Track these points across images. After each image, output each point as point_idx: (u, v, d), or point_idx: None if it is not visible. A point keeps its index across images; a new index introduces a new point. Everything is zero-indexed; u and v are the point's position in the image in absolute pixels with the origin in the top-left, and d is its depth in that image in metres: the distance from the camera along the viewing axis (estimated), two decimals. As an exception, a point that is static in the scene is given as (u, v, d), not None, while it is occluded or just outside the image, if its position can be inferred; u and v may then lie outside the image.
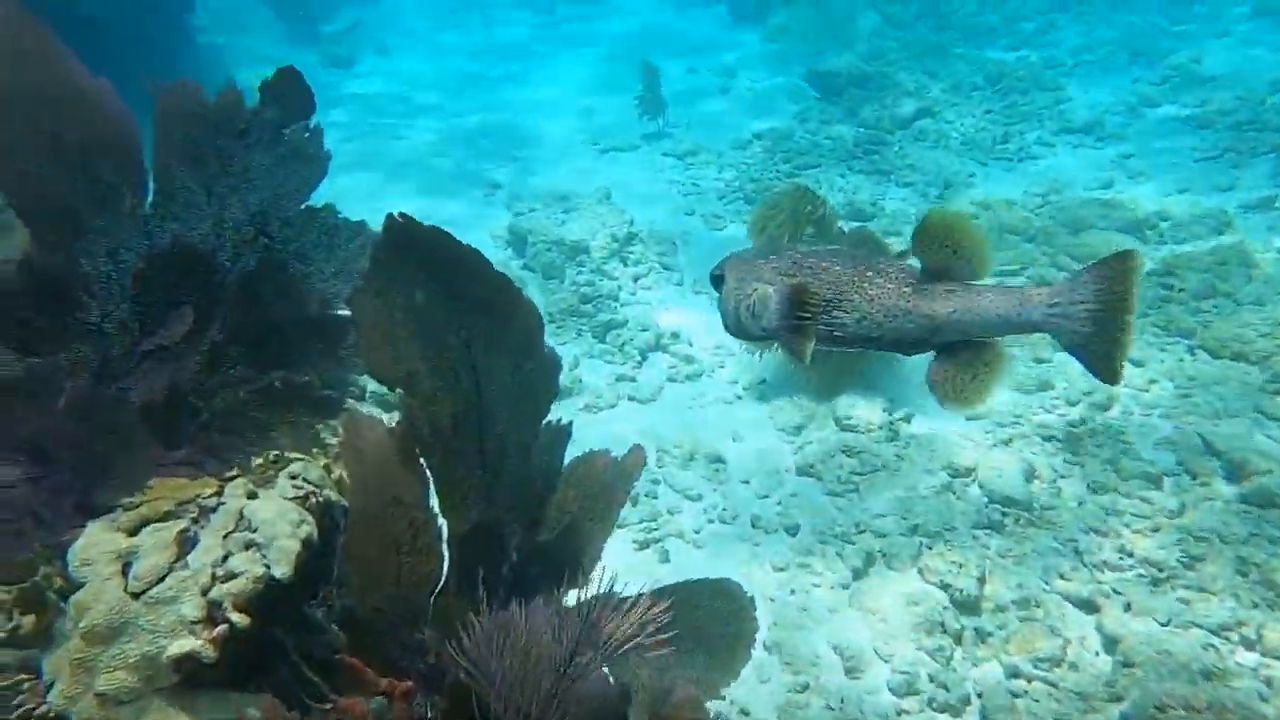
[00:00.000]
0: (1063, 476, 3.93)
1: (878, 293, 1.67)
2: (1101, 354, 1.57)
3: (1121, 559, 3.47)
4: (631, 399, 4.98)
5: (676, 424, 4.73)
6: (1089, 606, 3.34)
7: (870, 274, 1.68)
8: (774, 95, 9.63)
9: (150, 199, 2.25)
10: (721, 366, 5.25)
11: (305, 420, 2.57)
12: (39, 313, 2.12)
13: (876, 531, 3.80)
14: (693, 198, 7.62)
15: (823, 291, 1.68)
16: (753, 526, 4.00)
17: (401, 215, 2.05)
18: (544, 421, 2.25)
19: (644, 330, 5.58)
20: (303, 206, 2.45)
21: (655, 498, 4.19)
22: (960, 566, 3.41)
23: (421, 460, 2.13)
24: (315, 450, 2.83)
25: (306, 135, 2.39)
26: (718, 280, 1.90)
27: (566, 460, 2.36)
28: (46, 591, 1.94)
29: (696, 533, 4.00)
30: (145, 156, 2.23)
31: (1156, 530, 3.59)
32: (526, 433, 2.26)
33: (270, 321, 2.40)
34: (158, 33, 7.60)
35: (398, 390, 2.14)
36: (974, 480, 3.99)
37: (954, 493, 3.94)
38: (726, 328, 1.89)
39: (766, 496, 4.19)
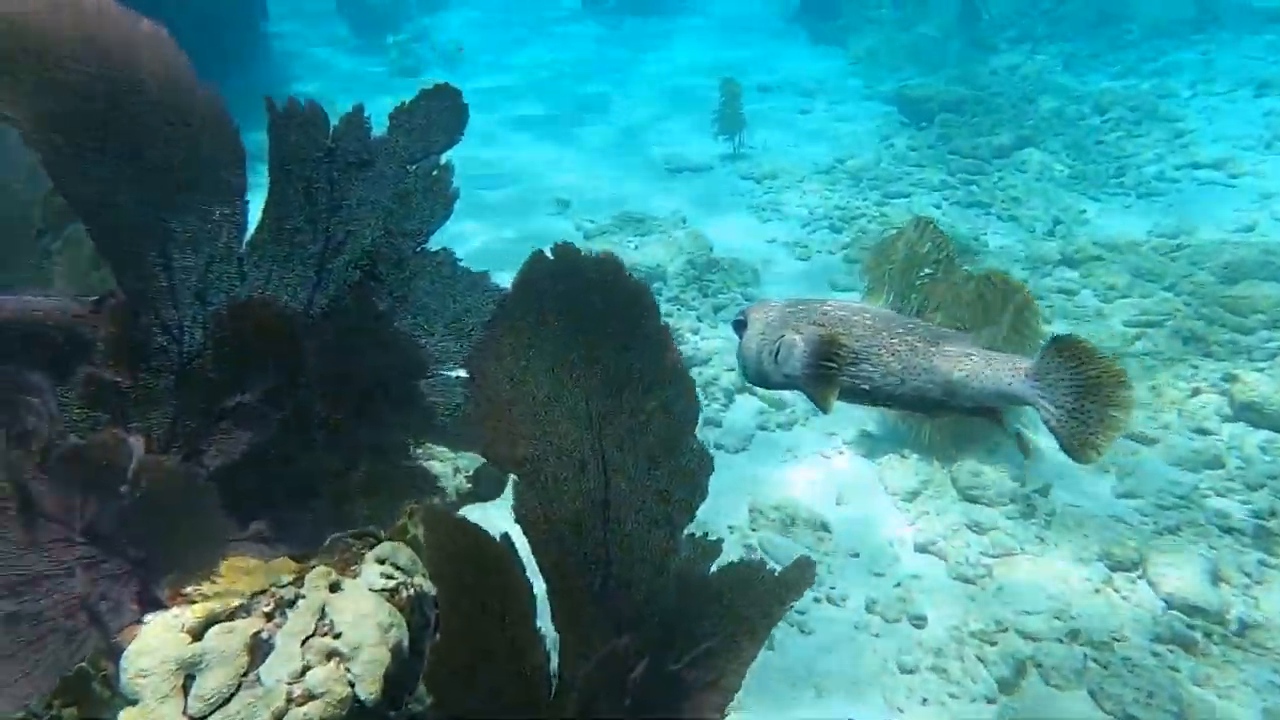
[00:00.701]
0: (1258, 582, 3.29)
1: (906, 350, 1.68)
2: (1077, 432, 1.52)
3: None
4: (718, 447, 4.48)
5: (771, 480, 4.21)
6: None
7: (900, 332, 1.70)
8: (857, 119, 9.12)
9: (250, 234, 1.88)
10: (816, 414, 4.72)
11: (392, 493, 2.16)
12: (113, 362, 1.73)
13: (1023, 632, 3.21)
14: (773, 224, 7.13)
15: (850, 344, 1.71)
16: (868, 611, 3.45)
17: (563, 246, 1.62)
18: (685, 530, 1.81)
19: (730, 369, 5.09)
20: (419, 249, 2.05)
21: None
22: (1147, 696, 2.80)
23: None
24: (403, 523, 2.42)
25: (435, 172, 2.00)
26: (739, 326, 1.89)
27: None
28: (92, 681, 1.56)
29: (801, 614, 3.47)
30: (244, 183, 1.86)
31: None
32: (662, 540, 1.81)
33: (366, 378, 1.99)
34: (234, 40, 7.46)
35: (511, 476, 1.71)
36: (1140, 576, 3.38)
37: (1117, 590, 3.33)
38: (744, 372, 1.89)
39: (881, 575, 3.63)
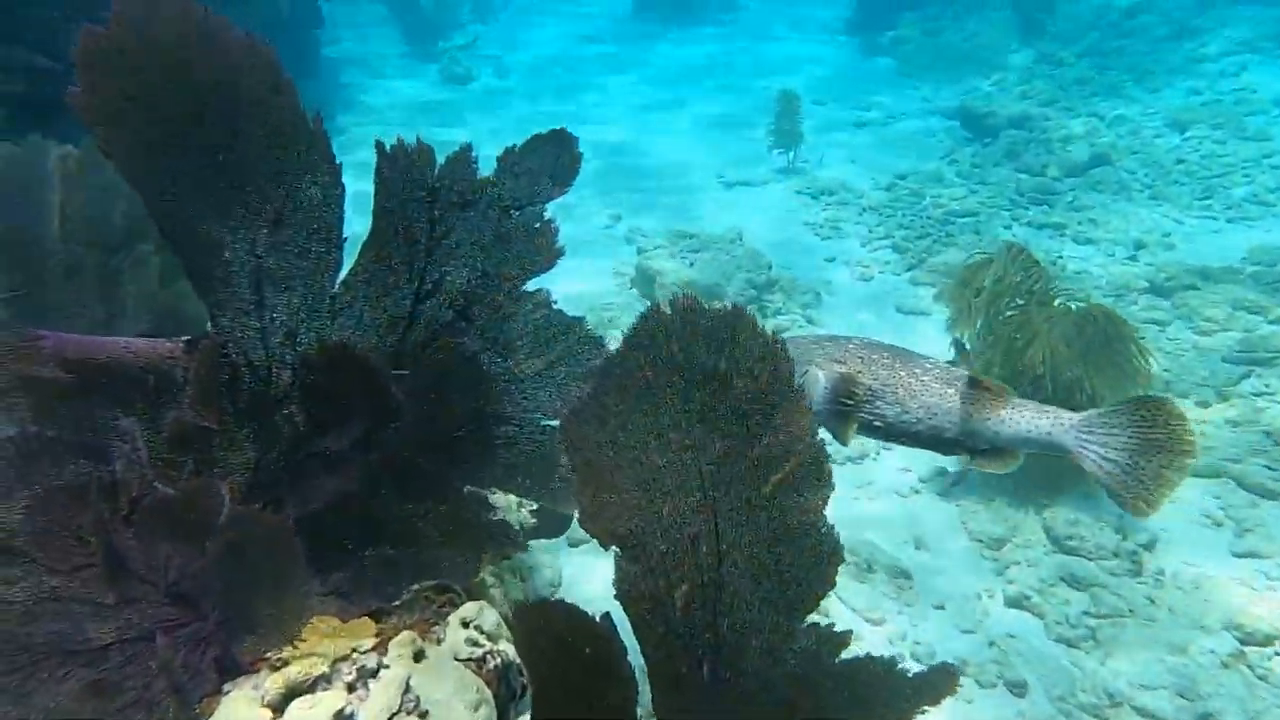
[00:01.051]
0: None
1: (921, 390, 1.76)
2: (1131, 488, 1.62)
3: None
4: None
5: (843, 520, 3.93)
6: None
7: (917, 372, 1.77)
8: (916, 134, 8.80)
9: (344, 273, 1.73)
10: (887, 447, 4.43)
11: (470, 544, 1.98)
12: (202, 405, 1.58)
13: (1143, 711, 2.89)
14: (833, 242, 6.86)
15: (869, 382, 1.78)
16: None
17: (683, 300, 1.41)
18: (807, 619, 1.57)
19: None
20: (513, 293, 1.90)
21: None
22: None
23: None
24: (483, 579, 2.23)
25: (538, 224, 1.86)
26: None
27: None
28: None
29: (884, 674, 3.18)
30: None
31: None
32: (779, 627, 1.57)
33: (452, 424, 1.81)
34: (292, 49, 7.45)
35: (613, 550, 1.51)
36: (1279, 653, 3.03)
37: (1250, 667, 2.99)
38: None
39: (971, 632, 3.33)
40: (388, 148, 1.75)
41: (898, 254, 6.54)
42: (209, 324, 1.64)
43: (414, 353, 1.90)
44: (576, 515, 1.55)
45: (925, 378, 1.77)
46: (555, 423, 2.02)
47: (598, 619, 1.51)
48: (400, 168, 1.78)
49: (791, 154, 8.18)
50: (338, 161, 1.68)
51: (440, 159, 1.80)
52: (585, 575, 3.48)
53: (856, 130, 9.10)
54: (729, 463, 1.53)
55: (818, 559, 1.57)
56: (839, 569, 1.55)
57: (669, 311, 1.46)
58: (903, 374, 1.78)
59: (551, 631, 1.49)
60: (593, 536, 1.54)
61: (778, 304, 5.82)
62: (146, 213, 2.89)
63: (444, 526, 1.98)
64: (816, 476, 1.53)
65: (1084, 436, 1.67)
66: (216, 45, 1.51)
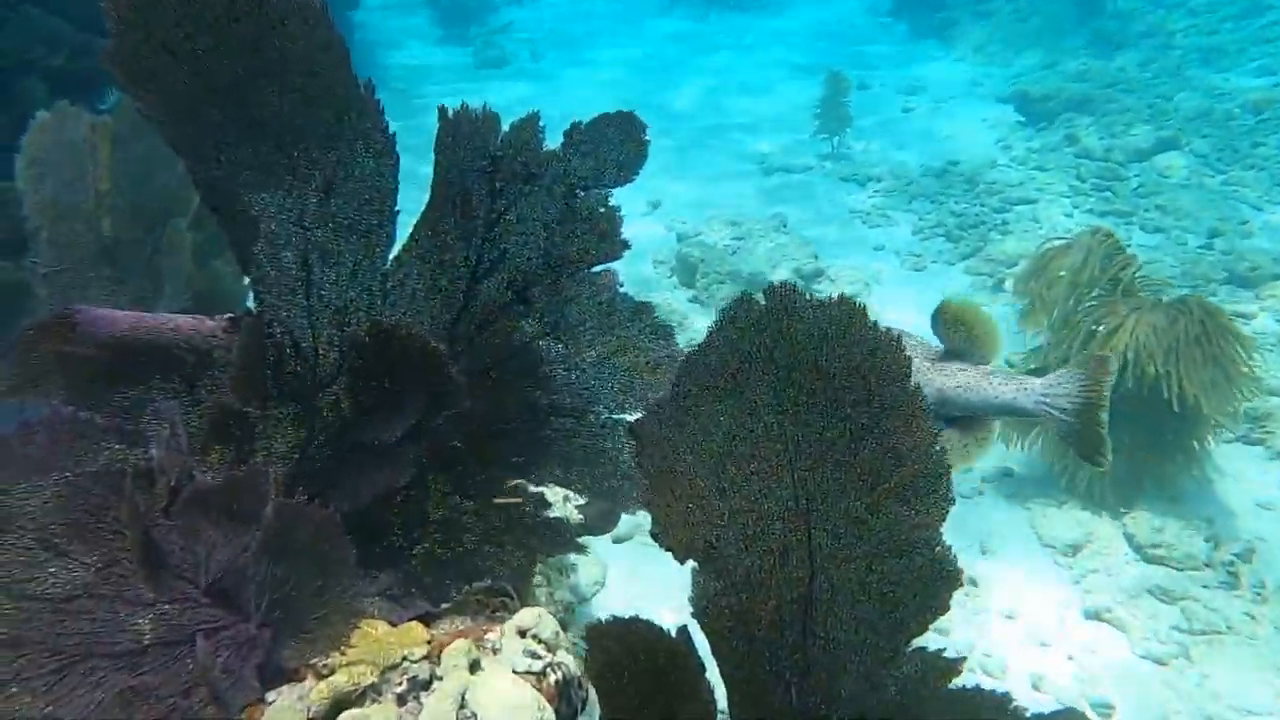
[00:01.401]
0: None
1: None
2: (1086, 441, 1.77)
3: None
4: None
5: (902, 521, 3.70)
6: None
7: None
8: (966, 118, 8.44)
9: (397, 248, 1.59)
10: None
11: (521, 544, 1.83)
12: (244, 388, 1.44)
13: (1247, 739, 2.65)
14: (880, 230, 6.59)
15: None
16: (1035, 688, 2.93)
17: (780, 287, 1.23)
18: (912, 641, 1.38)
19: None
20: (575, 274, 1.73)
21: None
22: None
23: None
24: (538, 582, 2.07)
25: (602, 208, 1.69)
26: None
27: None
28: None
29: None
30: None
31: None
32: (879, 651, 1.39)
33: (508, 415, 1.65)
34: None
35: (690, 563, 1.34)
36: (1400, 678, 2.76)
37: (1370, 694, 2.72)
38: None
39: (1047, 645, 3.10)
40: (450, 112, 1.59)
41: (951, 243, 6.25)
42: (251, 301, 1.49)
43: (468, 335, 1.74)
44: (650, 526, 1.38)
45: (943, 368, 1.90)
46: (615, 415, 1.86)
47: (674, 634, 1.35)
48: (463, 134, 1.62)
49: (835, 140, 7.89)
50: (390, 129, 1.52)
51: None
52: (629, 572, 3.32)
53: (903, 115, 8.77)
54: (828, 470, 1.34)
55: (929, 579, 1.37)
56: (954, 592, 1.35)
57: (764, 301, 1.27)
58: None
59: (628, 653, 1.33)
60: (666, 549, 1.37)
61: (825, 294, 5.58)
62: (179, 188, 2.78)
63: (496, 524, 1.83)
64: (933, 489, 1.34)
65: (1043, 399, 1.80)
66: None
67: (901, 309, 5.50)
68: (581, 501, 2.38)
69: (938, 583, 1.38)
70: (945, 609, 1.39)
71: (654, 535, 1.37)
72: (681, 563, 1.35)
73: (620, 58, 11.00)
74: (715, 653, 1.37)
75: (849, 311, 1.29)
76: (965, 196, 6.85)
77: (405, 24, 11.60)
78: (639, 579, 3.33)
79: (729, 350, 1.29)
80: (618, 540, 3.51)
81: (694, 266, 5.76)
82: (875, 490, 1.37)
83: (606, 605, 2.80)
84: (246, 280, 1.49)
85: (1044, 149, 7.37)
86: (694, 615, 1.36)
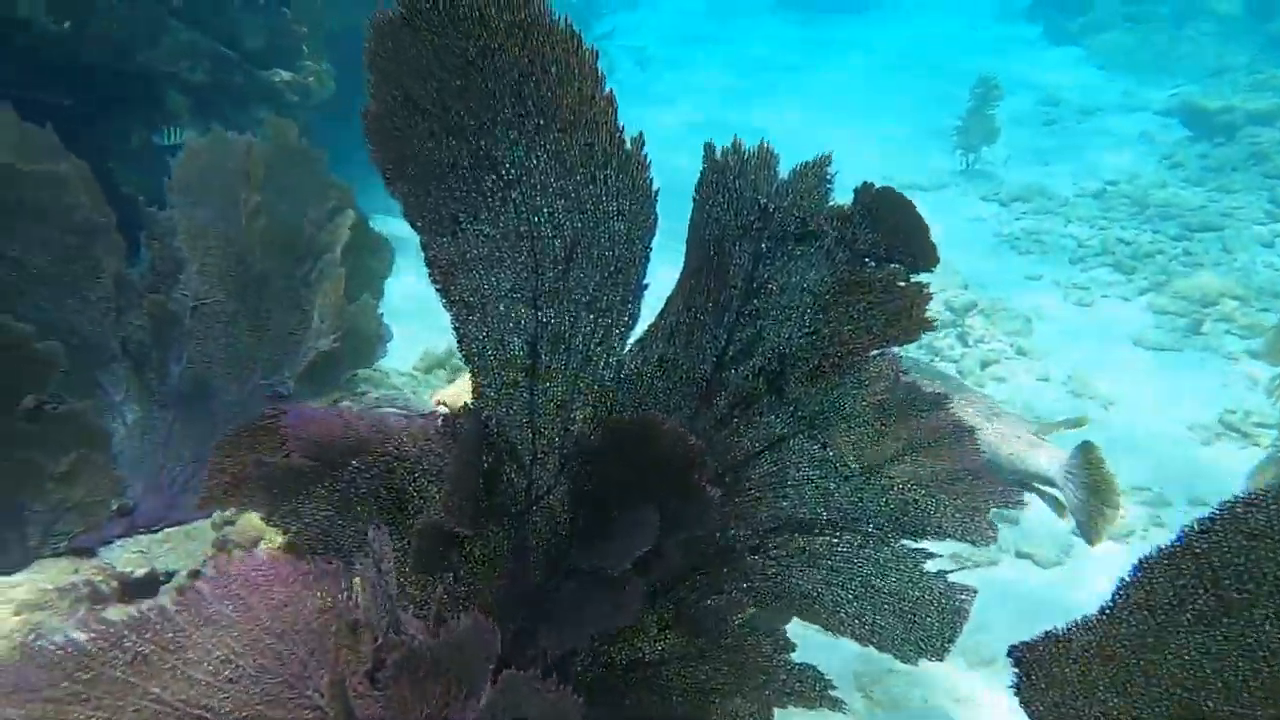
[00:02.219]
0: None
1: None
2: (1086, 520, 1.97)
3: None
4: (1023, 557, 3.44)
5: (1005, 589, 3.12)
6: None
7: (960, 402, 1.89)
8: (1120, 132, 7.61)
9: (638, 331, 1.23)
10: (1147, 532, 3.56)
11: (758, 700, 1.44)
12: (456, 506, 1.11)
13: None
14: (1034, 258, 5.91)
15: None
16: None
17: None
18: None
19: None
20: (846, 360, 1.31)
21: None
22: None
23: None
24: None
25: (902, 283, 1.26)
26: None
27: None
28: None
29: None
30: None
31: None
32: None
33: (743, 533, 1.27)
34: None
35: None
36: None
37: None
38: None
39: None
40: (718, 151, 1.21)
41: (1122, 274, 5.52)
42: (472, 395, 1.15)
43: (705, 433, 1.36)
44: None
45: (970, 409, 2.07)
46: (892, 538, 1.44)
47: None
48: (727, 181, 1.24)
49: (970, 156, 7.23)
50: (654, 185, 1.15)
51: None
52: None
53: (1044, 128, 7.99)
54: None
55: None
56: None
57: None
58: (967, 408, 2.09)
59: None
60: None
61: (979, 331, 4.99)
62: (330, 219, 2.52)
63: (723, 670, 1.45)
64: None
65: (1066, 474, 2.00)
66: (533, 26, 1.00)
67: (1068, 348, 4.85)
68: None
69: None
70: None
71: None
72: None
73: (725, 63, 10.57)
74: None
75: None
76: (1133, 221, 6.09)
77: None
78: None
79: (1209, 569, 0.84)
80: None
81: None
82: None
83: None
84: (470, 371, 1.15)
85: (1225, 167, 6.51)
86: None
